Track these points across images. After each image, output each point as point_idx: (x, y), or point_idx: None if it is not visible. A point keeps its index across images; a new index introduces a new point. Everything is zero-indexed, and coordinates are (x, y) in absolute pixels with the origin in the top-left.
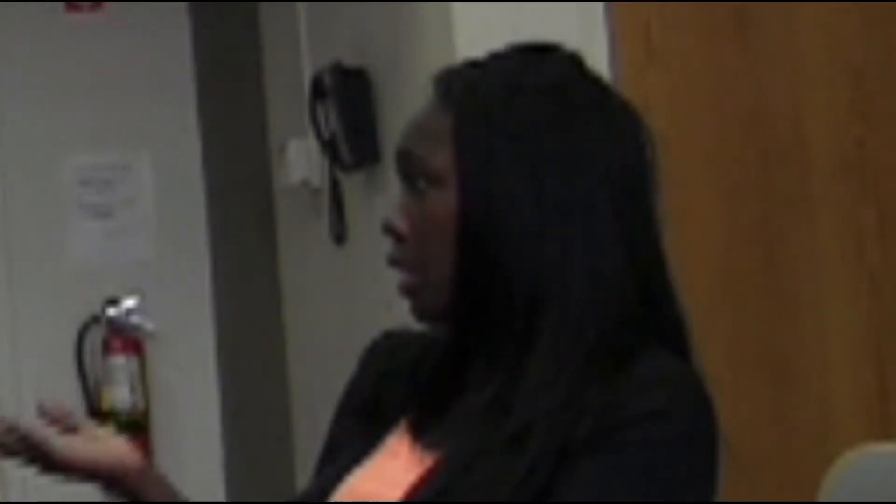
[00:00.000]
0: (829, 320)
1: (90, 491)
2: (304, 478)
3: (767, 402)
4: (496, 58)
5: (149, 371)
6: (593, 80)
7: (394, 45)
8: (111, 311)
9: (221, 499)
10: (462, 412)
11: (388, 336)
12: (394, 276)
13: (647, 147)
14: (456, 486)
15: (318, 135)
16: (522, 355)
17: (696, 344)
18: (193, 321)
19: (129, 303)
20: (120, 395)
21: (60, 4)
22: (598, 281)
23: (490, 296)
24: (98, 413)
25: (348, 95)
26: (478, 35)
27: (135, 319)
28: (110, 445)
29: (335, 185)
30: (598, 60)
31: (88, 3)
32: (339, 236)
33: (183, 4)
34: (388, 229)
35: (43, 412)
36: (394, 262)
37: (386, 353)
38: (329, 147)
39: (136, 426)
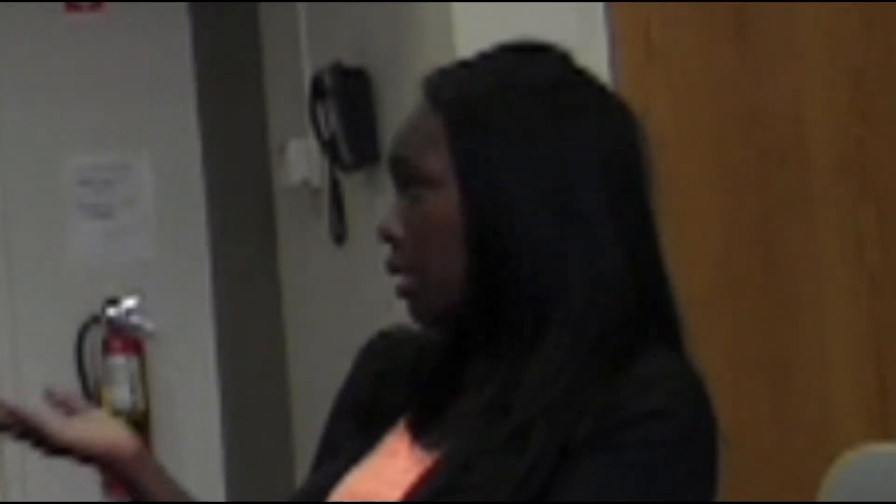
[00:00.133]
0: (829, 320)
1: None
2: (304, 478)
3: (767, 402)
4: (485, 58)
5: (149, 371)
6: (585, 79)
7: (394, 45)
8: (111, 311)
9: (221, 499)
10: (461, 412)
11: (385, 336)
12: (394, 277)
13: (643, 144)
14: (456, 486)
15: (318, 135)
16: (524, 354)
17: (694, 343)
18: (193, 321)
19: (129, 303)
20: (120, 395)
21: (60, 4)
22: (597, 279)
23: (498, 296)
24: None
25: (348, 95)
26: (478, 35)
27: (135, 319)
28: (107, 428)
29: (335, 185)
30: (598, 60)
31: (88, 3)
32: (339, 236)
33: (183, 4)
34: (384, 235)
35: (49, 395)
36: (391, 266)
37: (382, 352)
38: (329, 147)
39: (136, 426)
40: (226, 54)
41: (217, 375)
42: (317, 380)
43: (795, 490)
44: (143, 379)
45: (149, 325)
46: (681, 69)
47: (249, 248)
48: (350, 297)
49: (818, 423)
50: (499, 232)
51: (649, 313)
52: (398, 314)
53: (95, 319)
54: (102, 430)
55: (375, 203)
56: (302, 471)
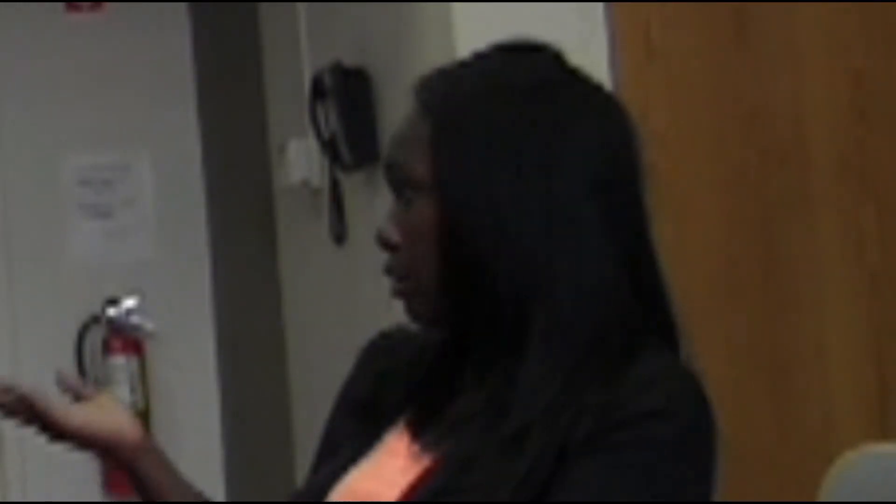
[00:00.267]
0: (829, 320)
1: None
2: (303, 478)
3: (767, 402)
4: (478, 59)
5: (149, 371)
6: (577, 79)
7: (394, 45)
8: (111, 311)
9: (221, 499)
10: (460, 412)
11: (385, 336)
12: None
13: (637, 144)
14: (455, 486)
15: (318, 135)
16: (517, 355)
17: (694, 343)
18: (193, 321)
19: (129, 303)
20: (120, 395)
21: (60, 4)
22: (586, 281)
23: (476, 300)
24: None
25: (348, 95)
26: (478, 35)
27: (135, 319)
28: (111, 415)
29: (335, 185)
30: (598, 60)
31: (88, 3)
32: (339, 236)
33: (183, 4)
34: (382, 241)
35: (60, 380)
36: (389, 270)
37: (382, 352)
38: (329, 147)
39: None
40: (226, 54)
41: (217, 375)
42: (317, 380)
43: (795, 490)
44: (143, 379)
45: (149, 325)
46: (681, 69)
47: (249, 248)
48: (350, 297)
49: (818, 423)
50: (472, 236)
51: (646, 314)
52: (398, 314)
53: (95, 319)
54: (107, 416)
55: (375, 203)
56: (302, 471)
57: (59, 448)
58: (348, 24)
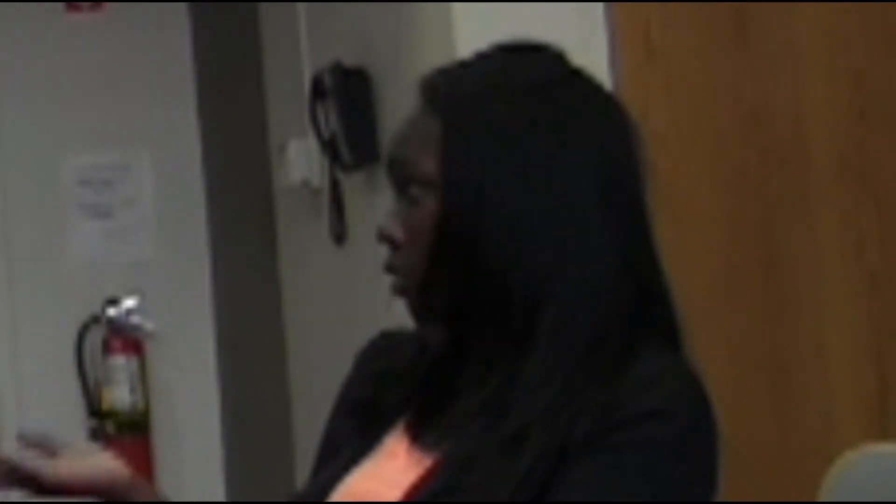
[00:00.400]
0: (829, 320)
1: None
2: (303, 478)
3: (767, 402)
4: (481, 58)
5: (149, 371)
6: (580, 78)
7: (394, 45)
8: (111, 311)
9: (221, 499)
10: (460, 413)
11: (384, 336)
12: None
13: (638, 144)
14: (455, 487)
15: (318, 135)
16: (519, 356)
17: (694, 343)
18: (193, 321)
19: (129, 303)
20: (120, 395)
21: (60, 4)
22: (591, 280)
23: (483, 298)
24: (98, 413)
25: (348, 95)
26: (478, 35)
27: (135, 319)
28: (98, 460)
29: (335, 185)
30: (598, 60)
31: (88, 3)
32: (339, 236)
33: (183, 4)
34: (384, 237)
35: (23, 439)
36: (389, 268)
37: (382, 353)
38: (329, 147)
39: (136, 426)
40: (226, 54)
41: (217, 375)
42: (317, 380)
43: (795, 490)
44: (143, 379)
45: (149, 325)
46: (681, 69)
47: (249, 248)
48: (350, 297)
49: (818, 423)
50: (482, 234)
51: (647, 314)
52: (398, 314)
53: (95, 319)
54: (94, 462)
55: (375, 203)
56: (302, 471)
57: None
58: (348, 24)
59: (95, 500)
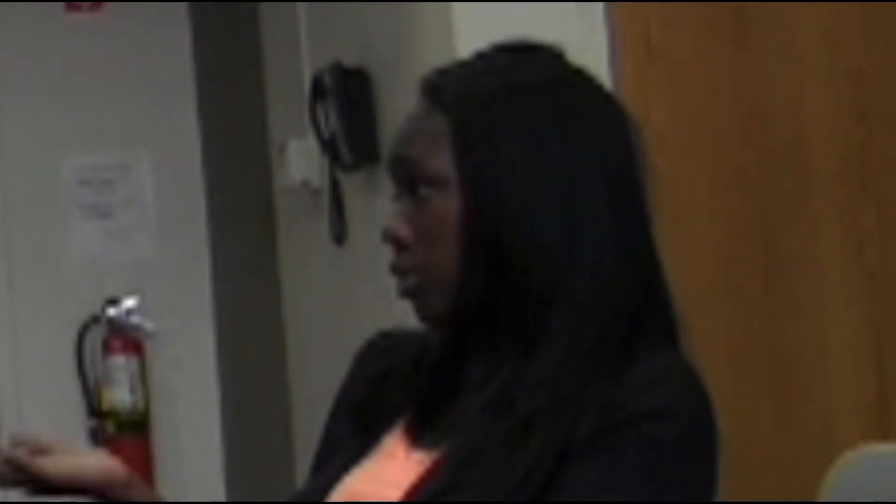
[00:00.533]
0: (829, 320)
1: None
2: (303, 478)
3: (767, 402)
4: (483, 58)
5: (149, 371)
6: (580, 77)
7: (394, 45)
8: (111, 311)
9: (221, 499)
10: (461, 412)
11: (383, 336)
12: (397, 278)
13: (637, 142)
14: (457, 483)
15: (318, 135)
16: (526, 353)
17: (694, 343)
18: (193, 321)
19: (129, 303)
20: (120, 395)
21: (60, 4)
22: (599, 279)
23: (501, 295)
24: (98, 413)
25: (348, 95)
26: (478, 35)
27: (135, 319)
28: (93, 458)
29: (335, 185)
30: (598, 60)
31: (88, 3)
32: (339, 236)
33: (183, 4)
34: (390, 237)
35: (15, 442)
36: (396, 269)
37: (380, 353)
38: (329, 147)
39: (136, 426)
40: (226, 54)
41: (217, 375)
42: (317, 380)
43: (795, 490)
44: (143, 379)
45: (149, 325)
46: (681, 69)
47: (249, 248)
48: (350, 297)
49: (818, 423)
50: (503, 231)
51: (648, 313)
52: (398, 314)
53: (95, 319)
54: (89, 459)
55: (375, 203)
56: (302, 471)
57: None
58: (348, 24)
59: (92, 499)
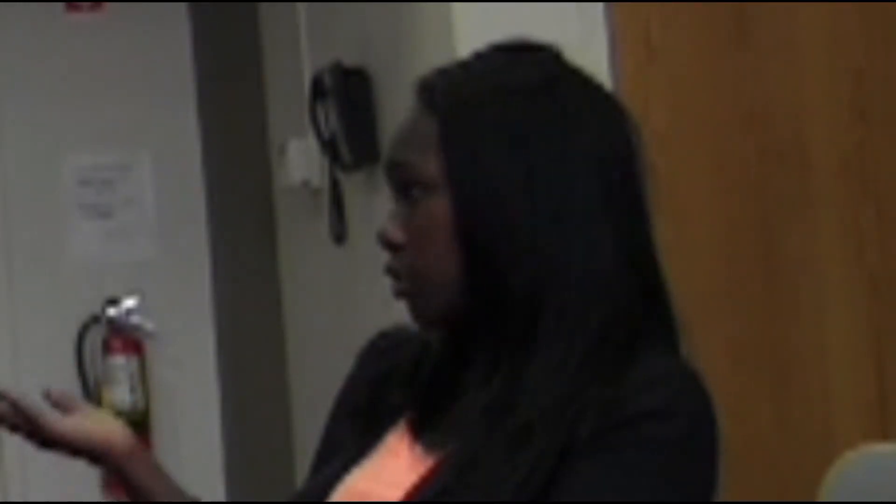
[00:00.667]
0: (829, 320)
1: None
2: (303, 478)
3: (767, 402)
4: (479, 58)
5: (149, 371)
6: (578, 77)
7: (394, 45)
8: (111, 311)
9: (221, 499)
10: (462, 412)
11: (385, 336)
12: (392, 280)
13: (638, 143)
14: (458, 485)
15: (318, 135)
16: (523, 354)
17: (694, 343)
18: (193, 321)
19: (129, 303)
20: (120, 395)
21: (60, 4)
22: (595, 278)
23: (489, 298)
24: None
25: (348, 95)
26: (478, 35)
27: (135, 319)
28: (103, 423)
29: (335, 185)
30: (598, 60)
31: (88, 3)
32: (339, 236)
33: (183, 4)
34: (383, 240)
35: (46, 395)
36: (391, 271)
37: (382, 353)
38: (329, 147)
39: (136, 426)
40: (226, 54)
41: (217, 375)
42: (317, 380)
43: (795, 490)
44: (143, 379)
45: (149, 325)
46: (681, 69)
47: (249, 248)
48: (350, 297)
49: (818, 423)
50: (490, 234)
51: (647, 313)
52: (398, 314)
53: (95, 319)
54: (97, 424)
55: (375, 203)
56: (302, 471)
57: None
58: (348, 24)
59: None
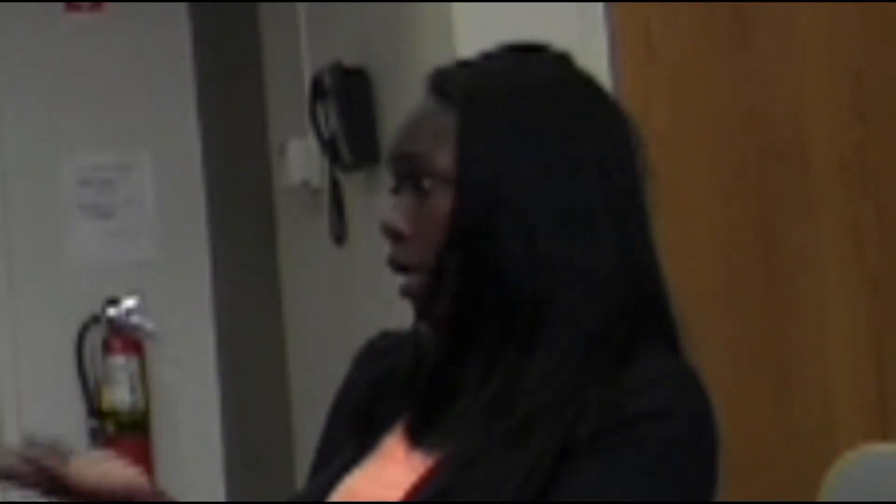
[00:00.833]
0: (829, 320)
1: None
2: (304, 478)
3: (767, 402)
4: (490, 58)
5: (149, 371)
6: (586, 80)
7: (394, 45)
8: (111, 311)
9: (221, 499)
10: (460, 413)
11: (383, 337)
12: (394, 276)
13: (635, 141)
14: (459, 483)
15: (318, 135)
16: (524, 353)
17: (694, 344)
18: (193, 321)
19: (129, 303)
20: (120, 395)
21: (60, 4)
22: (597, 278)
23: (492, 293)
24: (98, 413)
25: (348, 95)
26: (478, 35)
27: (135, 319)
28: (117, 466)
29: (335, 185)
30: (598, 60)
31: (88, 3)
32: (339, 236)
33: (183, 4)
34: (389, 231)
35: (32, 444)
36: (394, 263)
37: (379, 355)
38: (329, 147)
39: (136, 426)
40: (226, 54)
41: (217, 375)
42: (317, 380)
43: (796, 490)
44: (143, 379)
45: (149, 325)
46: (681, 69)
47: (249, 248)
48: (350, 297)
49: (818, 423)
50: (498, 229)
51: (647, 314)
52: (398, 314)
53: (95, 319)
54: (113, 469)
55: (375, 203)
56: (302, 471)
57: None
58: (348, 24)
59: None
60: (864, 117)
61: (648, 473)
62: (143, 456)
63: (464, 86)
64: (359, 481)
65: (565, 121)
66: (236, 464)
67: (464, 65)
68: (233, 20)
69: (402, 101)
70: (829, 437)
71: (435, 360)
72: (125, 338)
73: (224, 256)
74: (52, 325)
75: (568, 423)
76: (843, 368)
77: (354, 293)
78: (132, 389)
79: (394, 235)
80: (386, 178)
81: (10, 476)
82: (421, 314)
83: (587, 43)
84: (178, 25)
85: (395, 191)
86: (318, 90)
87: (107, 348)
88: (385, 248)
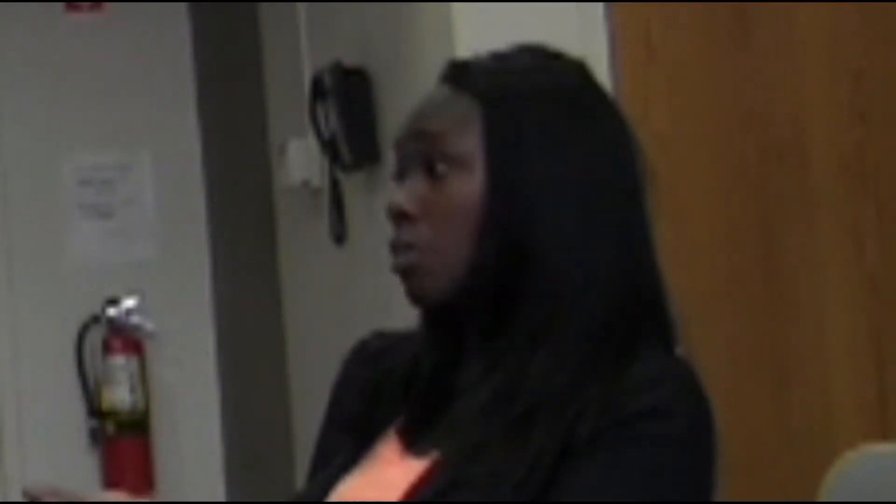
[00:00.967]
0: (829, 320)
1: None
2: (303, 478)
3: (767, 402)
4: (509, 57)
5: (149, 371)
6: (599, 88)
7: (394, 45)
8: (111, 311)
9: (221, 499)
10: (459, 413)
11: (377, 337)
12: (394, 277)
13: (636, 146)
14: (457, 485)
15: (318, 135)
16: (529, 348)
17: (694, 343)
18: (193, 321)
19: (129, 303)
20: (120, 395)
21: (60, 4)
22: (602, 276)
23: (513, 285)
24: (98, 413)
25: (348, 95)
26: (478, 35)
27: (135, 319)
28: None
29: (335, 185)
30: (598, 60)
31: (88, 3)
32: (339, 236)
33: (183, 4)
34: (397, 211)
35: (29, 496)
36: (398, 243)
37: (372, 357)
38: (329, 147)
39: (136, 426)
40: (226, 54)
41: (217, 375)
42: (317, 380)
43: (796, 490)
44: (143, 379)
45: (149, 325)
46: (681, 69)
47: (249, 248)
48: (350, 297)
49: (818, 423)
50: (523, 221)
51: (647, 314)
52: (398, 314)
53: (95, 319)
54: None
55: (375, 203)
56: (302, 470)
57: (59, 448)
58: (348, 24)
59: None
60: (864, 117)
61: (648, 473)
62: (142, 456)
63: (486, 78)
64: (356, 484)
65: (581, 125)
66: (236, 464)
67: (481, 59)
68: (233, 20)
69: (402, 101)
70: (829, 437)
71: (434, 362)
72: (125, 338)
73: (224, 256)
74: (52, 325)
75: (568, 422)
76: (843, 368)
77: (354, 293)
78: (132, 389)
79: (401, 216)
80: (386, 178)
81: None
82: (416, 294)
83: (587, 43)
84: (178, 25)
85: (400, 175)
86: (318, 90)
87: (107, 348)
88: (385, 248)
